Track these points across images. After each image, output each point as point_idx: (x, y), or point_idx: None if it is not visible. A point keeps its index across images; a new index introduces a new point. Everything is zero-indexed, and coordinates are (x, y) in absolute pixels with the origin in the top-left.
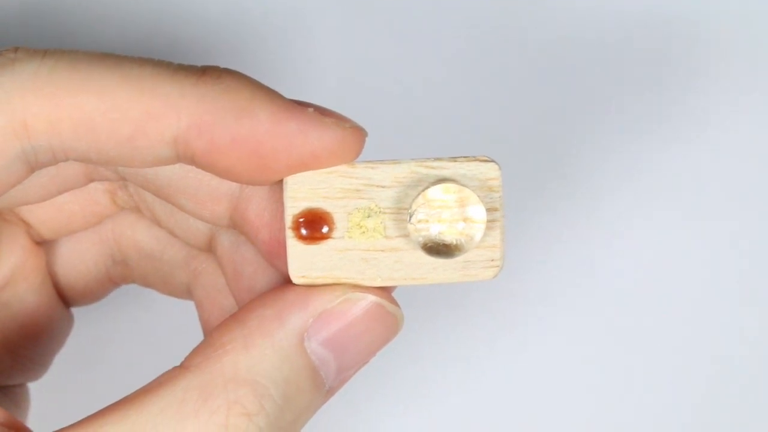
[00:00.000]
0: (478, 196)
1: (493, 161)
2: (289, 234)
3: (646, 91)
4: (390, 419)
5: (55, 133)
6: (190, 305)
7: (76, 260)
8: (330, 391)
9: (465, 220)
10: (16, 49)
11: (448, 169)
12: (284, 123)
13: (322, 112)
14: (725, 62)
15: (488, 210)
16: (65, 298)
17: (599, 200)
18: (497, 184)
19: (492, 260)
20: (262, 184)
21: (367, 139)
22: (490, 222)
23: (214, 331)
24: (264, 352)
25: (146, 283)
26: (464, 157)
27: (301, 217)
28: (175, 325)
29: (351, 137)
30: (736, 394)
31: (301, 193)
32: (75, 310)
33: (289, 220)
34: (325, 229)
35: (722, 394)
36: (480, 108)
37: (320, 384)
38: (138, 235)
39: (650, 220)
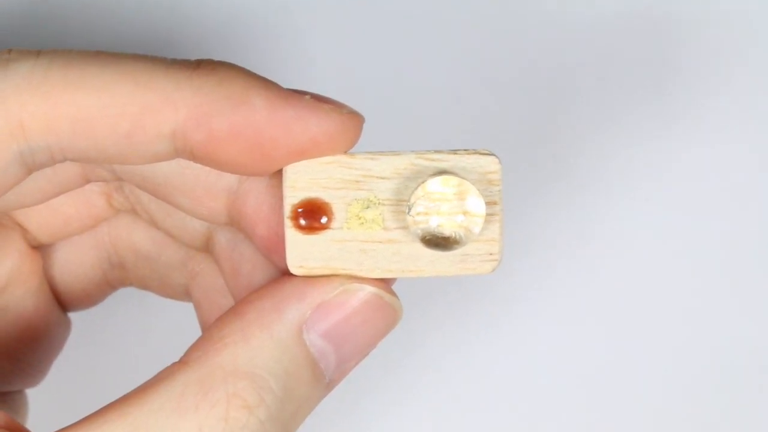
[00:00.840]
0: (478, 190)
1: (493, 155)
2: (288, 224)
3: (645, 85)
4: (388, 412)
5: (53, 133)
6: (188, 307)
7: (73, 264)
8: (330, 384)
9: (464, 213)
10: (9, 51)
11: (448, 161)
12: (281, 110)
13: (319, 98)
14: (724, 60)
15: (487, 203)
16: (63, 303)
17: (597, 192)
18: (497, 178)
19: (490, 254)
20: (262, 175)
21: (367, 132)
22: (489, 216)
23: (212, 325)
24: (263, 344)
25: (144, 285)
26: (464, 149)
27: (300, 207)
28: (174, 327)
29: (349, 122)
30: (734, 384)
31: (301, 182)
32: (73, 315)
33: (288, 210)
34: (323, 220)
35: (719, 384)
36: (479, 101)
37: (320, 376)
38: (134, 237)
39: (648, 211)
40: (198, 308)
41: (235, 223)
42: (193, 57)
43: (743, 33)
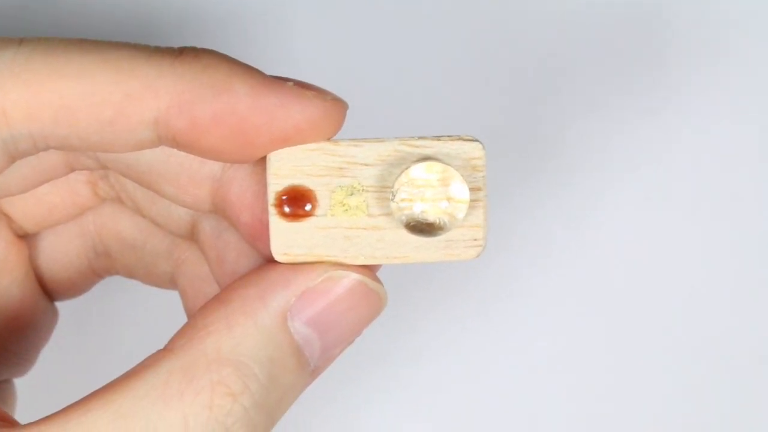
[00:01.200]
0: (462, 176)
1: (477, 140)
2: (272, 211)
3: (635, 71)
4: (374, 400)
5: (35, 120)
6: (174, 295)
7: (59, 253)
8: (315, 371)
9: (448, 199)
10: None
11: (432, 147)
12: (264, 97)
13: (302, 85)
14: (715, 45)
15: (471, 189)
16: (49, 292)
17: (586, 179)
18: (481, 164)
19: (475, 240)
20: (245, 162)
21: (350, 119)
22: (473, 201)
23: (197, 313)
24: (247, 331)
25: (130, 274)
26: (448, 136)
27: (284, 195)
28: (160, 315)
29: (332, 109)
30: (728, 372)
31: (284, 170)
32: (60, 304)
33: (272, 197)
34: (308, 207)
35: (710, 369)
36: (464, 87)
37: (305, 363)
38: (120, 226)
39: (638, 197)
40: (183, 296)
41: (220, 210)
42: (176, 44)
43: (735, 17)
